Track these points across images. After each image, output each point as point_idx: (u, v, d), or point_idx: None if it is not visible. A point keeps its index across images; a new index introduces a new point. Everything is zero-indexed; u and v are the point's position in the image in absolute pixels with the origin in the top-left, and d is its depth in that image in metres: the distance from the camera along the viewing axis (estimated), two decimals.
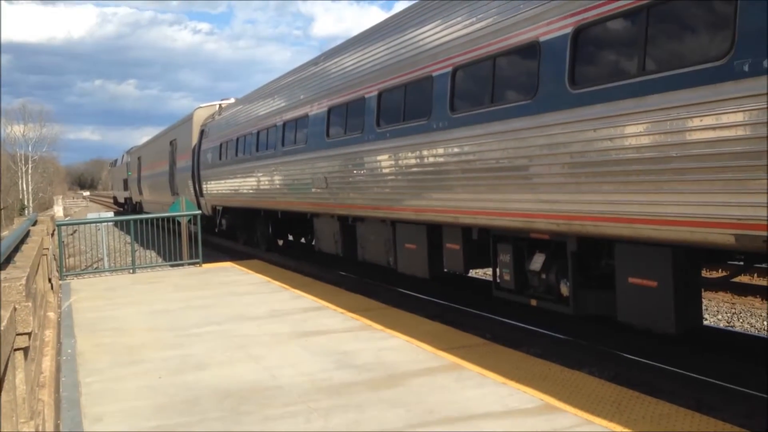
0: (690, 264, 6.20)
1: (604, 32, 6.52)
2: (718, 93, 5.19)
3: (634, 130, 5.98)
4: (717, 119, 5.23)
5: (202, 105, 26.18)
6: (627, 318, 6.66)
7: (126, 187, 51.03)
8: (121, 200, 57.82)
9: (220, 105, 24.48)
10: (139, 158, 41.52)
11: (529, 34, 7.31)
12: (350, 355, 7.06)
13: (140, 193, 40.97)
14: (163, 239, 16.59)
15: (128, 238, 17.84)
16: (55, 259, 14.98)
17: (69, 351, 7.79)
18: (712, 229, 5.43)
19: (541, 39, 7.13)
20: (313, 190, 13.60)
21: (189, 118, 26.64)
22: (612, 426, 4.88)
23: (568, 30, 6.75)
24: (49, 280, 11.29)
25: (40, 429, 4.52)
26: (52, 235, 15.16)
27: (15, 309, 3.92)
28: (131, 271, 15.22)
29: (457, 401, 5.52)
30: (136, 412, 5.61)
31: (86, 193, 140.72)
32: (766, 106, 4.84)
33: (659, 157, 5.75)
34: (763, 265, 11.36)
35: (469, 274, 11.46)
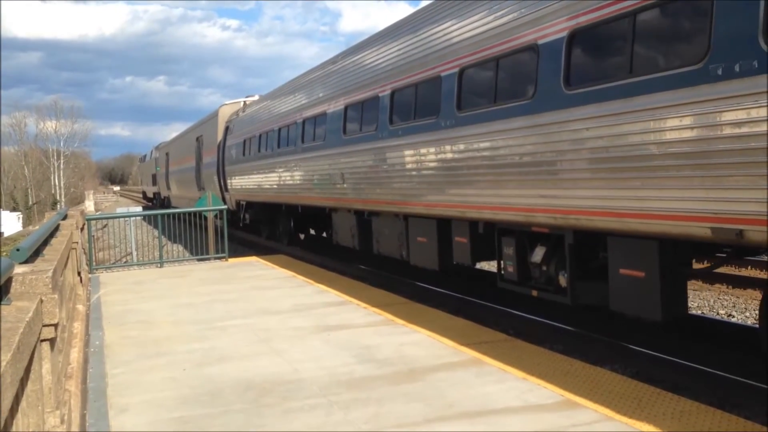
0: (676, 256, 6.54)
1: (595, 37, 6.91)
2: (696, 95, 5.56)
3: (622, 129, 6.36)
4: (694, 120, 5.60)
5: (227, 102, 26.63)
6: (618, 307, 7.00)
7: (155, 182, 51.62)
8: (150, 195, 58.58)
9: (244, 102, 24.98)
10: (167, 154, 42.02)
11: (529, 37, 7.71)
12: (372, 350, 7.10)
13: (168, 188, 41.50)
14: (190, 234, 16.79)
15: (156, 233, 18.08)
16: (84, 252, 15.25)
17: (97, 343, 7.95)
18: (691, 223, 5.80)
19: (540, 42, 7.52)
20: (331, 185, 14.06)
21: (214, 115, 27.10)
22: (632, 423, 4.86)
23: (564, 34, 7.15)
24: (78, 274, 11.51)
25: (66, 418, 4.63)
26: (82, 229, 15.42)
27: (41, 301, 4.02)
28: (159, 265, 15.43)
29: (476, 396, 5.53)
30: (161, 402, 5.71)
31: (116, 188, 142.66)
32: (738, 107, 5.21)
33: (644, 155, 6.12)
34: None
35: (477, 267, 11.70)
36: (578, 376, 5.98)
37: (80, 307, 9.64)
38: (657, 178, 6.05)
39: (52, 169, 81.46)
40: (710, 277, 12.70)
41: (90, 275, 13.99)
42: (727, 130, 5.34)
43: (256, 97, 24.34)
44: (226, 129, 25.06)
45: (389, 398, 5.57)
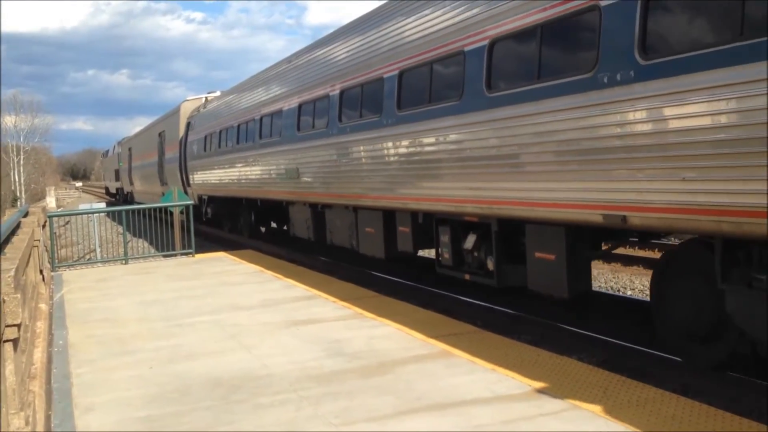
0: (581, 240, 7.36)
1: (511, 46, 7.72)
2: (588, 100, 6.39)
3: (533, 129, 7.18)
4: (587, 121, 6.39)
5: (188, 98, 26.89)
6: (534, 286, 7.85)
7: (117, 178, 51.11)
8: (113, 191, 57.89)
9: (206, 98, 25.43)
10: (129, 149, 41.70)
11: (458, 44, 8.49)
12: (341, 344, 7.10)
13: (131, 183, 41.20)
14: (155, 230, 16.57)
15: (120, 229, 17.82)
16: (46, 250, 14.97)
17: (60, 342, 7.81)
18: (588, 211, 6.60)
19: (466, 49, 8.31)
20: (288, 179, 14.78)
21: (176, 111, 27.35)
22: (598, 411, 4.94)
23: (486, 42, 7.95)
24: (41, 272, 11.30)
25: (31, 419, 4.55)
26: (44, 226, 15.13)
27: (4, 301, 3.94)
28: (124, 261, 15.21)
29: (446, 388, 5.56)
30: (127, 401, 5.64)
31: (78, 184, 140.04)
32: (619, 111, 6.02)
33: (550, 151, 6.96)
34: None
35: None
36: (546, 366, 6.05)
37: (43, 306, 9.46)
38: (560, 171, 6.85)
39: (11, 164, 79.63)
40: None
41: (52, 273, 13.73)
42: (612, 130, 6.14)
43: (218, 93, 24.59)
44: (188, 125, 25.40)
45: (360, 392, 5.58)
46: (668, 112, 5.60)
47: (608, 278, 13.06)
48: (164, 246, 16.36)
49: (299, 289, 10.51)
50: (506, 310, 9.88)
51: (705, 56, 5.26)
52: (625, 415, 4.83)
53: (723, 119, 5.17)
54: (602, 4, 6.27)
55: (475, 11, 8.16)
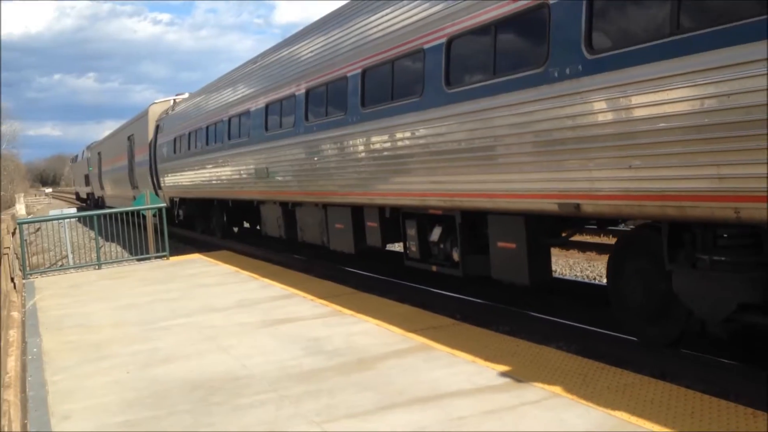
0: (540, 228, 7.59)
1: (468, 43, 7.88)
2: (540, 94, 6.61)
3: (490, 123, 7.37)
4: (540, 114, 6.63)
5: (157, 101, 26.88)
6: (497, 275, 8.12)
7: (87, 183, 50.54)
8: (83, 196, 57.23)
9: (174, 100, 25.48)
10: (99, 153, 41.32)
11: (417, 42, 8.69)
12: (320, 341, 7.06)
13: (102, 188, 40.84)
14: (128, 234, 16.37)
15: (92, 234, 17.57)
16: (17, 258, 14.70)
17: (34, 350, 7.67)
18: (544, 200, 6.85)
19: (425, 47, 8.51)
20: (257, 179, 14.93)
21: (144, 114, 27.30)
22: (577, 398, 4.96)
23: (444, 40, 8.13)
24: (12, 280, 11.10)
25: (6, 429, 4.46)
26: (14, 233, 14.87)
27: None
28: (97, 267, 15.00)
29: (426, 381, 5.56)
30: (104, 408, 5.55)
31: (48, 190, 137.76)
32: (570, 104, 6.23)
33: (507, 144, 7.21)
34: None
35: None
36: (525, 356, 6.08)
37: (15, 314, 9.29)
38: (518, 163, 7.10)
39: None
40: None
41: (24, 281, 13.49)
42: (564, 122, 6.36)
43: (186, 95, 24.62)
44: (157, 127, 25.43)
45: (340, 389, 5.55)
46: (613, 103, 5.83)
47: (584, 267, 13.17)
48: (138, 250, 16.16)
49: (276, 288, 10.45)
50: (484, 301, 9.91)
51: (644, 50, 5.50)
52: (604, 401, 4.87)
53: (663, 110, 5.37)
54: (551, 1, 6.48)
55: (433, 10, 8.34)
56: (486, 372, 5.70)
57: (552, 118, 6.49)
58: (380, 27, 9.68)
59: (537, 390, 5.19)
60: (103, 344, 7.66)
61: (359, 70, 10.24)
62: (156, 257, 15.67)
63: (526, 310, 9.15)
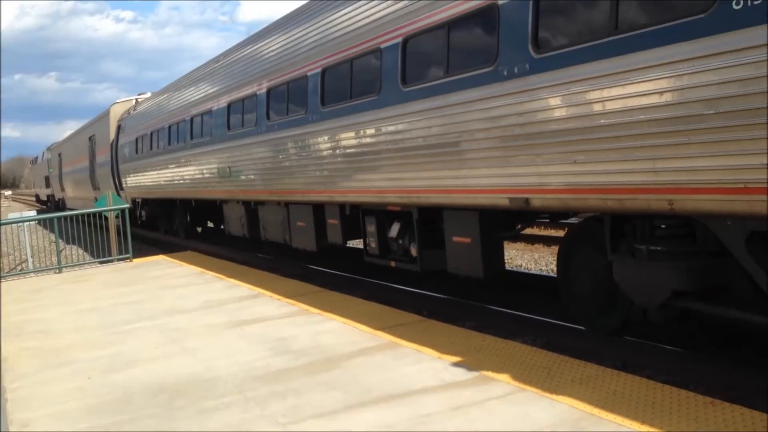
0: (494, 222, 7.79)
1: (422, 42, 8.03)
2: (491, 91, 6.78)
3: (444, 121, 7.53)
4: (492, 112, 6.79)
5: (118, 101, 26.61)
6: (453, 269, 8.28)
7: (48, 185, 49.66)
8: (44, 198, 56.21)
9: (136, 100, 25.26)
10: (59, 154, 40.59)
11: (374, 41, 8.83)
12: (287, 341, 7.02)
13: (62, 189, 40.13)
14: (90, 236, 16.08)
15: (53, 237, 17.24)
16: None
17: None
18: (496, 195, 7.02)
19: (382, 46, 8.65)
20: (220, 178, 14.97)
21: (106, 114, 26.99)
22: (542, 391, 5.00)
23: (399, 39, 8.30)
24: None
25: None
26: None
27: None
28: (57, 270, 14.71)
29: (394, 379, 5.55)
30: (66, 415, 5.44)
31: (8, 193, 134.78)
32: (517, 101, 6.44)
33: (460, 141, 7.35)
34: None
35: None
36: (491, 351, 6.11)
37: None
38: (471, 159, 7.23)
39: None
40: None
41: None
42: (513, 119, 6.55)
43: (149, 95, 24.37)
44: (119, 127, 25.19)
45: (307, 389, 5.52)
46: (559, 101, 6.03)
47: (549, 261, 13.30)
48: (100, 252, 15.89)
49: (242, 288, 10.36)
50: (451, 297, 9.94)
51: (585, 50, 5.72)
52: (568, 394, 4.91)
53: (603, 107, 5.58)
54: (500, 2, 6.64)
55: (389, 10, 8.50)
56: (453, 368, 5.72)
57: (502, 115, 6.67)
58: (339, 27, 9.81)
59: (503, 385, 5.22)
60: (64, 350, 7.51)
61: (319, 69, 10.36)
62: (119, 259, 15.42)
63: (492, 305, 9.21)
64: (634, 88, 5.28)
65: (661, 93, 5.10)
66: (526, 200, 6.65)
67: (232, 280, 11.13)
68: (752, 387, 5.49)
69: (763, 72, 4.43)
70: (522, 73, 6.38)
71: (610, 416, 4.48)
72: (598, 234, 6.60)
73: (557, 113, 6.06)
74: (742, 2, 4.52)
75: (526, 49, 6.34)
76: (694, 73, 4.85)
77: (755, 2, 4.43)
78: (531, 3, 6.29)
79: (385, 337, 6.84)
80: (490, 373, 5.49)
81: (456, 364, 5.79)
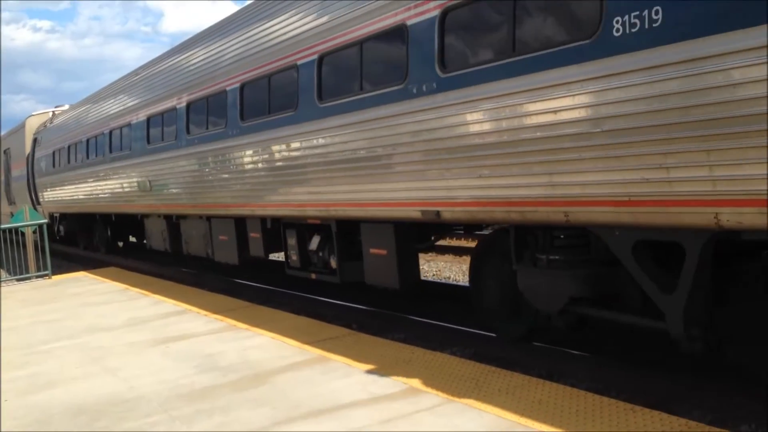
0: (409, 235, 8.03)
1: (337, 59, 8.26)
2: (402, 108, 7.03)
3: (358, 136, 7.76)
4: (402, 128, 7.07)
5: (34, 113, 26.02)
6: (371, 280, 8.51)
7: None
8: None
9: (53, 112, 24.69)
10: None
11: (291, 58, 9.01)
12: (214, 358, 6.89)
13: None
14: (6, 252, 15.40)
15: None
16: None
17: None
18: (409, 208, 7.26)
19: (299, 63, 8.83)
20: (141, 192, 14.83)
21: (21, 127, 26.42)
22: (470, 402, 5.08)
23: (315, 56, 8.49)
24: None
25: None
26: None
27: None
28: None
29: (323, 393, 5.53)
30: None
31: None
32: (427, 118, 6.70)
33: (374, 155, 7.59)
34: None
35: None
36: (420, 364, 6.16)
37: None
38: (385, 173, 7.49)
39: None
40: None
41: None
42: (422, 135, 6.81)
43: (66, 107, 23.85)
44: (35, 141, 24.63)
45: (235, 406, 5.43)
46: (464, 118, 6.33)
47: None
48: (17, 269, 15.22)
49: (168, 304, 10.12)
50: (381, 310, 9.97)
51: (487, 70, 6.06)
52: (496, 404, 5.00)
53: (504, 124, 5.92)
54: (408, 23, 6.94)
55: (306, 27, 8.72)
56: (382, 381, 5.74)
57: (413, 131, 6.92)
58: (257, 42, 9.92)
59: (431, 396, 5.27)
60: None
61: (238, 84, 10.44)
62: (37, 276, 14.82)
63: (422, 318, 9.28)
64: (532, 106, 5.59)
65: (555, 112, 5.41)
66: (437, 213, 6.89)
67: (157, 296, 10.86)
68: (671, 392, 5.72)
69: (639, 94, 4.77)
70: (430, 91, 6.67)
71: (537, 425, 4.58)
72: (504, 245, 6.82)
73: (463, 130, 6.35)
74: (621, 29, 4.87)
75: (434, 69, 6.62)
76: (582, 93, 5.18)
77: (633, 30, 4.79)
78: (437, 25, 6.57)
79: (314, 352, 6.80)
80: (419, 385, 5.53)
81: (385, 377, 5.81)
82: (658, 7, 4.62)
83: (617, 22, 4.88)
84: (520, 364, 6.72)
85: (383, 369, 6.04)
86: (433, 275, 13.71)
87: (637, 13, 4.75)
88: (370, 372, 5.99)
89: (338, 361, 6.41)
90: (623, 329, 6.64)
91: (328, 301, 10.95)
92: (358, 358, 6.43)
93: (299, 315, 9.00)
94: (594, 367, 6.61)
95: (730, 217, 4.48)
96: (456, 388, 5.41)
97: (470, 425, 4.68)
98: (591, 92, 5.12)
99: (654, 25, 4.65)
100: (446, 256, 15.32)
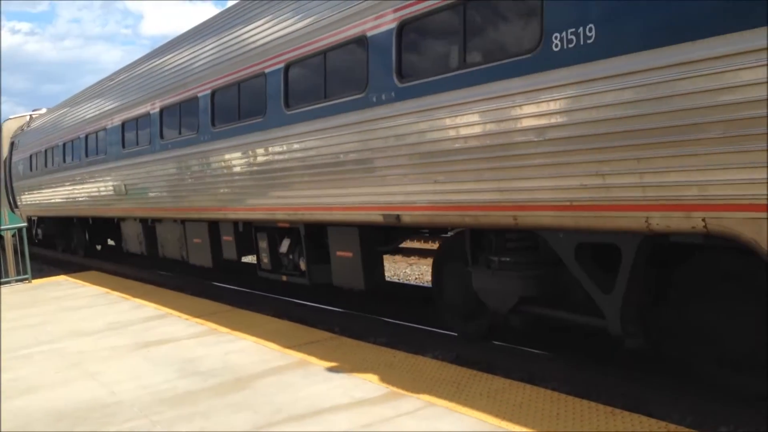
0: (374, 238, 8.30)
1: (302, 68, 8.53)
2: (363, 116, 7.31)
3: (323, 143, 8.02)
4: (364, 135, 7.35)
5: (12, 117, 25.97)
6: (337, 282, 8.75)
7: None
8: None
9: (30, 116, 24.66)
10: None
11: (259, 66, 9.26)
12: (195, 362, 6.87)
13: None
14: None
15: None
16: None
17: None
18: (371, 212, 7.50)
19: (266, 71, 9.07)
20: (116, 196, 14.95)
21: None
22: (452, 405, 5.11)
23: (282, 65, 8.75)
24: None
25: None
26: None
27: None
28: None
29: (304, 398, 5.53)
30: None
31: None
32: (385, 125, 7.00)
33: (338, 161, 7.82)
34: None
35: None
36: (401, 367, 6.18)
37: None
38: (349, 179, 7.71)
39: None
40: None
41: None
42: (382, 143, 7.09)
43: (44, 111, 23.79)
44: (12, 144, 24.68)
45: (215, 411, 5.42)
46: (420, 126, 6.61)
47: None
48: None
49: (149, 308, 10.07)
50: (363, 314, 9.98)
51: (440, 81, 6.34)
52: (477, 407, 5.04)
53: (456, 132, 6.19)
54: (368, 34, 7.21)
55: (273, 36, 8.95)
56: (363, 385, 5.75)
57: (373, 138, 7.21)
58: (228, 50, 10.16)
59: (413, 400, 5.29)
60: None
61: (209, 91, 10.68)
62: (17, 280, 14.68)
63: (403, 321, 9.30)
64: (480, 116, 5.89)
65: (501, 121, 5.72)
66: (397, 217, 7.16)
67: (138, 300, 10.80)
68: (649, 395, 5.77)
69: (576, 105, 5.10)
70: (388, 100, 6.95)
71: (517, 428, 4.62)
72: (463, 247, 7.07)
73: (419, 137, 6.63)
74: (560, 45, 5.20)
75: (392, 78, 6.90)
76: (525, 104, 5.49)
77: (570, 45, 5.12)
78: (394, 37, 6.85)
79: (296, 356, 6.80)
80: (400, 390, 5.55)
81: (367, 381, 5.83)
82: (592, 26, 4.97)
83: (556, 38, 5.20)
84: (501, 367, 6.75)
85: (365, 373, 6.05)
86: (416, 279, 13.74)
87: (573, 29, 5.08)
88: (351, 376, 6.01)
89: (320, 365, 6.42)
90: (600, 332, 6.70)
91: (311, 305, 10.94)
92: (340, 361, 6.44)
93: (281, 318, 9.00)
94: (573, 371, 6.65)
95: (660, 221, 4.79)
96: (437, 392, 5.43)
97: (451, 429, 4.71)
98: (533, 103, 5.43)
99: (588, 41, 5.00)
100: (428, 259, 15.39)
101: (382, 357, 6.57)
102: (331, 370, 6.23)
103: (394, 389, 5.57)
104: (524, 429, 4.60)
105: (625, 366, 6.53)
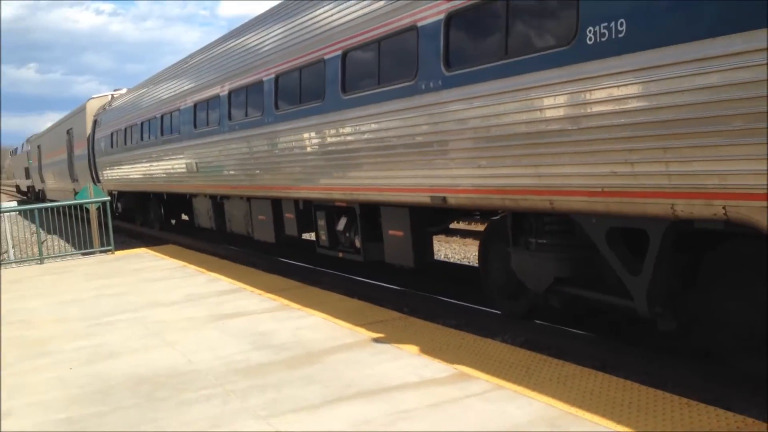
0: (423, 218, 8.67)
1: (358, 55, 8.93)
2: (413, 103, 7.69)
3: (376, 127, 8.42)
4: (413, 120, 7.72)
5: (94, 96, 27.24)
6: (389, 259, 9.23)
7: (28, 176, 49.49)
8: (24, 188, 55.94)
9: (112, 95, 25.88)
10: (39, 146, 40.58)
11: (319, 53, 9.73)
12: (268, 336, 7.06)
13: (42, 180, 40.10)
14: (71, 227, 15.99)
15: (34, 228, 17.12)
16: None
17: None
18: (420, 194, 7.90)
19: (325, 57, 9.55)
20: (188, 174, 15.86)
21: (82, 109, 27.62)
22: (521, 389, 5.08)
23: (339, 52, 9.21)
24: None
25: None
26: None
27: None
28: (39, 261, 14.62)
29: (373, 375, 5.62)
30: (47, 404, 5.47)
31: None
32: (433, 112, 7.35)
33: (389, 145, 8.24)
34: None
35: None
36: (470, 349, 6.19)
37: None
38: (400, 162, 8.11)
39: None
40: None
41: None
42: (430, 128, 7.44)
43: (124, 91, 24.93)
44: (95, 122, 25.85)
45: (287, 383, 5.58)
46: (464, 113, 6.92)
47: None
48: (82, 244, 15.81)
49: (224, 282, 10.38)
50: (432, 295, 10.01)
51: (485, 70, 6.62)
52: (546, 392, 4.99)
53: (498, 120, 6.49)
54: (419, 24, 7.53)
55: (332, 25, 9.42)
56: (432, 365, 5.79)
57: (421, 124, 7.58)
58: (291, 37, 10.68)
59: (481, 382, 5.30)
60: (46, 340, 7.52)
61: (273, 75, 11.25)
62: (101, 251, 15.36)
63: (473, 304, 9.28)
64: (520, 104, 6.17)
65: (540, 110, 5.98)
66: (444, 198, 7.52)
67: (214, 274, 11.14)
68: (728, 390, 5.60)
69: (609, 95, 5.29)
70: (436, 88, 7.29)
71: (587, 415, 4.56)
72: (506, 229, 7.35)
73: (463, 124, 6.96)
74: (593, 38, 5.43)
75: (439, 67, 7.23)
76: (562, 94, 5.74)
77: (602, 39, 5.35)
78: (442, 27, 7.16)
79: (365, 333, 6.90)
80: (468, 371, 5.56)
81: (435, 362, 5.86)
82: (623, 20, 5.19)
83: (590, 31, 5.44)
84: (572, 354, 6.69)
85: (433, 353, 6.09)
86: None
87: (606, 24, 5.32)
88: (420, 356, 6.05)
89: (388, 343, 6.49)
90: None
91: (380, 284, 11.05)
92: (409, 341, 6.50)
93: (351, 297, 9.12)
94: (647, 361, 6.52)
95: (684, 208, 5.01)
96: (506, 375, 5.42)
97: (519, 412, 4.68)
98: (570, 93, 5.67)
99: (619, 35, 5.22)
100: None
101: (450, 338, 6.59)
102: (399, 349, 6.30)
103: (463, 370, 5.59)
104: (594, 416, 4.54)
105: (701, 358, 6.36)
